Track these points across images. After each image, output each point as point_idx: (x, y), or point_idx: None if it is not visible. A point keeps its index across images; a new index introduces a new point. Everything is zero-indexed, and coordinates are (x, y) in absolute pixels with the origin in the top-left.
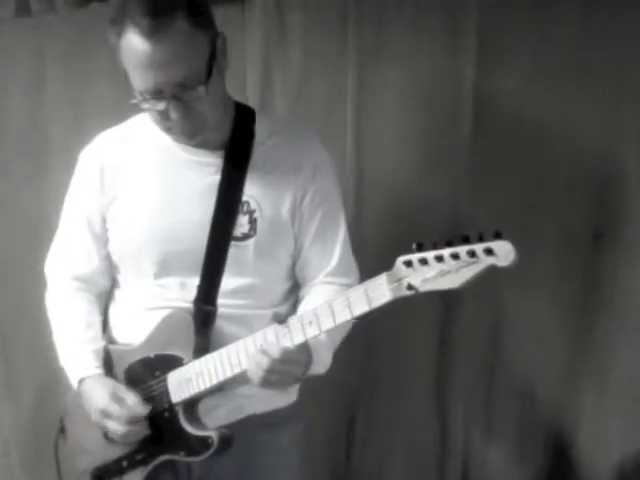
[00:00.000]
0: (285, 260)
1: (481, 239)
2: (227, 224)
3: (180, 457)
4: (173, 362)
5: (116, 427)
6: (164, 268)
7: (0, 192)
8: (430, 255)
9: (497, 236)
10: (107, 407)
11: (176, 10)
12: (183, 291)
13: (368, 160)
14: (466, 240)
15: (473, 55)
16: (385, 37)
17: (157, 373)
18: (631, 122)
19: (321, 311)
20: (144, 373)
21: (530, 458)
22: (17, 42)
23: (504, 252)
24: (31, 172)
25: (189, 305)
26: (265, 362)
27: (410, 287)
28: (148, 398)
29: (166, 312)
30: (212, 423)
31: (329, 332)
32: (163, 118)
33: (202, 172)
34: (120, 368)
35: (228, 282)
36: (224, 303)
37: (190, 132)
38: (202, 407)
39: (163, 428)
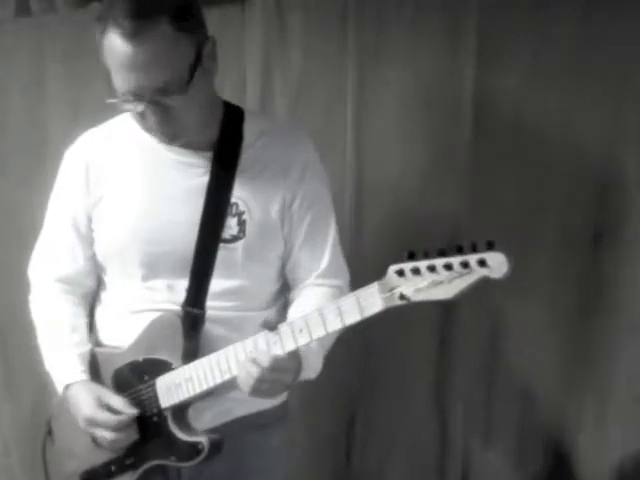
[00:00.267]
0: (274, 262)
1: (474, 249)
2: (216, 226)
3: (170, 462)
4: (162, 366)
5: (104, 434)
6: (151, 270)
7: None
8: (423, 265)
9: (490, 246)
10: (94, 414)
11: (160, 13)
12: (171, 293)
13: (368, 160)
14: (459, 250)
15: (473, 55)
16: (385, 37)
17: (145, 377)
18: (631, 122)
19: (312, 319)
20: (132, 377)
21: (530, 458)
22: (17, 42)
23: (497, 264)
24: (31, 171)
25: (177, 308)
26: (255, 371)
27: (402, 297)
28: (136, 402)
29: (154, 315)
30: (200, 426)
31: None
32: (142, 119)
33: (189, 173)
34: (107, 371)
35: (216, 284)
36: (212, 305)
37: (170, 135)
38: (190, 410)
39: (152, 433)
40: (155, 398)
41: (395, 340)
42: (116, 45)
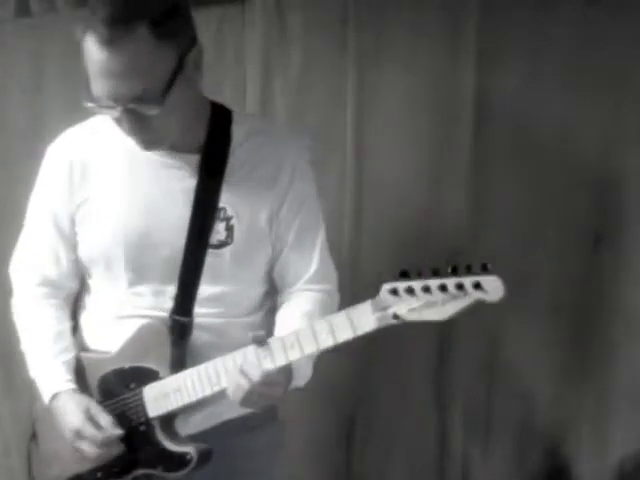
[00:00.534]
0: (262, 267)
1: (469, 270)
2: (204, 231)
3: (158, 472)
4: (148, 375)
5: (90, 449)
6: (137, 275)
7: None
8: (417, 285)
9: (484, 269)
10: (82, 428)
11: (138, 19)
12: (157, 299)
13: (368, 160)
14: (454, 270)
15: (473, 56)
16: (385, 37)
17: (132, 385)
18: (631, 122)
19: (304, 335)
20: (118, 384)
21: (529, 460)
22: (17, 42)
23: (493, 288)
24: (30, 171)
25: (164, 315)
26: (246, 384)
27: (396, 316)
28: (123, 411)
29: (140, 322)
30: (190, 429)
31: None
32: (120, 125)
33: (176, 177)
34: (93, 377)
35: (203, 290)
36: (199, 312)
37: (147, 143)
38: (179, 416)
39: (140, 442)
40: (142, 407)
41: (395, 341)
42: (92, 51)
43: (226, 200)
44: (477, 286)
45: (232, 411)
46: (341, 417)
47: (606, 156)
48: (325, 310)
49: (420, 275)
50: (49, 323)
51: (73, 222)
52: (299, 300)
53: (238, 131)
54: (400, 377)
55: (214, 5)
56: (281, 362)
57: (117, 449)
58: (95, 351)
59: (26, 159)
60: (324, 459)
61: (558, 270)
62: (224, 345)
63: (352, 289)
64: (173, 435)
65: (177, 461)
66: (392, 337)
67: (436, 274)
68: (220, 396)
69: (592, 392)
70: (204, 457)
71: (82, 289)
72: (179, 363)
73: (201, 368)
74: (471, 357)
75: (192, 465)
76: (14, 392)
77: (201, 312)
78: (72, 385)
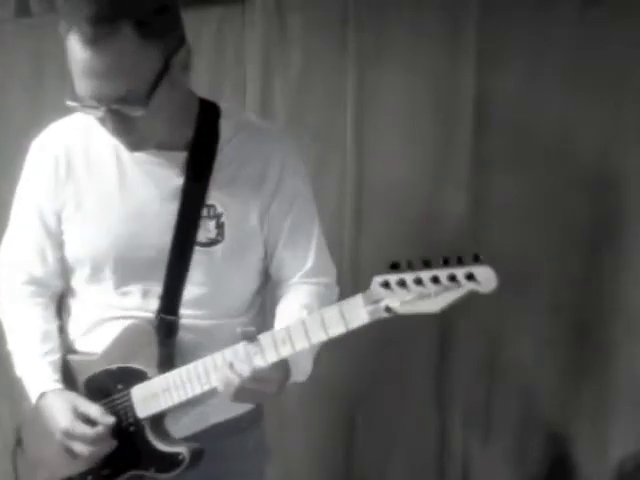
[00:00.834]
0: (256, 265)
1: (460, 261)
2: (191, 228)
3: (149, 474)
4: (136, 375)
5: (82, 448)
6: (125, 275)
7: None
8: (409, 277)
9: (476, 259)
10: (71, 427)
11: (123, 18)
12: (144, 300)
13: (368, 160)
14: (445, 262)
15: (473, 56)
16: (385, 37)
17: (120, 386)
18: (631, 122)
19: (295, 330)
20: (105, 385)
21: (530, 458)
22: (17, 42)
23: (486, 279)
24: None
25: (150, 315)
26: (235, 379)
27: (388, 309)
28: (111, 412)
29: (126, 323)
30: (177, 433)
31: None
32: (104, 125)
33: (164, 175)
34: (80, 379)
35: (193, 290)
36: (187, 313)
37: (133, 144)
38: (167, 418)
39: (130, 443)
40: (131, 408)
41: (395, 340)
42: (76, 49)
43: (215, 197)
44: (470, 277)
45: (220, 414)
46: (341, 417)
47: (606, 156)
48: (324, 303)
49: (411, 267)
50: (36, 322)
51: (59, 219)
52: (297, 293)
53: (226, 127)
54: (400, 377)
55: (214, 5)
56: (272, 358)
57: (109, 445)
58: (81, 353)
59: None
60: (324, 459)
61: (558, 270)
62: (214, 347)
63: (352, 289)
64: (164, 435)
65: (169, 461)
66: (392, 337)
67: (427, 265)
68: (210, 396)
69: (592, 392)
70: (196, 457)
71: (66, 291)
72: (167, 363)
73: (190, 367)
74: (471, 357)
75: (184, 465)
76: (14, 392)
77: (190, 313)
78: (59, 385)
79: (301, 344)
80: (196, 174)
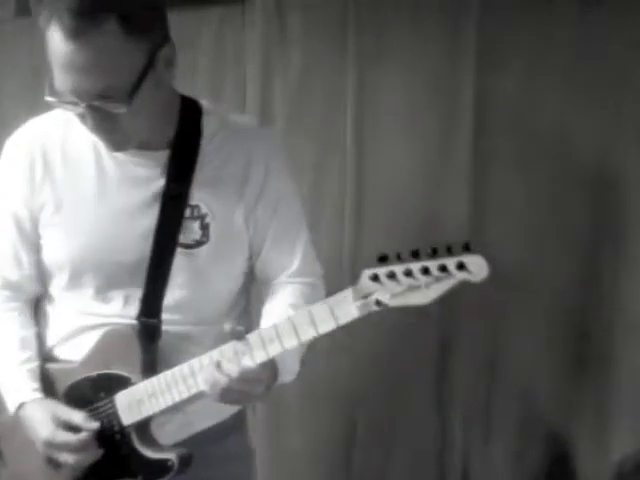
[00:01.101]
0: (241, 265)
1: (449, 250)
2: (173, 229)
3: None
4: (119, 382)
5: (66, 457)
6: (105, 280)
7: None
8: (399, 269)
9: (466, 248)
10: (53, 436)
11: (106, 12)
12: (125, 305)
13: (368, 160)
14: (434, 252)
15: (473, 56)
16: (385, 38)
17: (102, 394)
18: (630, 122)
19: (283, 329)
20: (87, 394)
21: (530, 458)
22: (17, 42)
23: (477, 267)
24: None
25: (131, 320)
26: (222, 379)
27: (378, 303)
28: (95, 421)
29: (107, 328)
30: (163, 442)
31: None
32: (84, 122)
33: (146, 175)
34: (60, 388)
35: (175, 293)
36: (170, 317)
37: (114, 144)
38: (153, 425)
39: (116, 452)
40: (115, 415)
41: (395, 340)
42: (56, 42)
43: (199, 197)
44: (461, 267)
45: (204, 421)
46: (341, 417)
47: (606, 156)
48: (310, 302)
49: (399, 258)
50: (12, 329)
51: (36, 222)
52: (284, 293)
53: (209, 124)
54: (400, 377)
55: (214, 5)
56: (261, 358)
57: (94, 453)
58: (61, 360)
59: None
60: (324, 459)
61: (558, 270)
62: (198, 351)
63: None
64: (150, 442)
65: (158, 468)
66: (392, 337)
67: (416, 256)
68: (196, 400)
69: (592, 392)
70: (185, 462)
71: (43, 296)
72: (151, 368)
73: (176, 370)
74: (471, 357)
75: (173, 471)
76: None
77: (172, 317)
78: (38, 394)
79: (290, 342)
80: (178, 173)
